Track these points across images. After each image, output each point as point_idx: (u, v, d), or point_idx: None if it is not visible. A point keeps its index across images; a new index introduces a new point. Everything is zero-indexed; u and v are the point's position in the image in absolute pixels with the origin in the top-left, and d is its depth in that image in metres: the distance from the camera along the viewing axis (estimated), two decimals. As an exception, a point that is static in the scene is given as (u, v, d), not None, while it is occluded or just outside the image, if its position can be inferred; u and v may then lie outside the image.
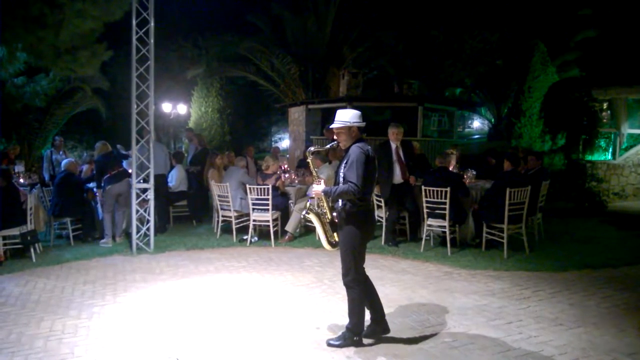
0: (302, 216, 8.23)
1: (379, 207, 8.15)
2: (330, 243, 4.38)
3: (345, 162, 4.15)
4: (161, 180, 9.03)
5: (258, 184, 8.09)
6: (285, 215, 8.55)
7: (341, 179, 4.16)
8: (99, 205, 8.42)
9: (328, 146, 4.54)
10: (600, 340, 4.47)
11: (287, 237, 8.35)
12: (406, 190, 7.82)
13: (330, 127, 4.27)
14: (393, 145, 7.74)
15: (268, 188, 7.87)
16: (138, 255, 7.51)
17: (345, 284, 4.27)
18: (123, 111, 15.79)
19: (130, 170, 8.82)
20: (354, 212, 4.14)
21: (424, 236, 7.70)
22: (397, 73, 20.13)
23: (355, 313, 4.27)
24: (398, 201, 7.84)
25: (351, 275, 4.21)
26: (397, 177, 7.75)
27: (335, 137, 4.30)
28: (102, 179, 8.14)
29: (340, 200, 4.20)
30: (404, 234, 8.35)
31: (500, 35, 18.57)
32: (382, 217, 8.15)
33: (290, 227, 8.38)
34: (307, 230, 8.83)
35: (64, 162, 8.50)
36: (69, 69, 13.05)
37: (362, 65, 19.24)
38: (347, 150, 4.21)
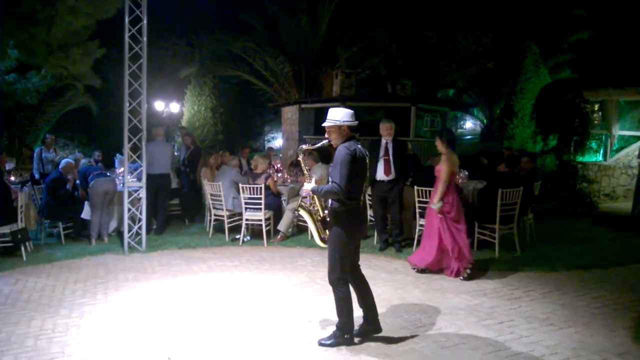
0: (294, 214, 8.28)
1: (372, 206, 8.15)
2: (322, 240, 4.41)
3: (333, 162, 4.18)
4: (165, 180, 8.97)
5: (249, 184, 8.07)
6: (278, 215, 8.54)
7: (329, 178, 4.21)
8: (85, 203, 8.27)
9: (319, 144, 4.56)
10: (590, 340, 4.50)
11: (279, 236, 8.35)
12: (389, 190, 7.49)
13: (322, 124, 4.29)
14: (383, 141, 7.49)
15: (260, 187, 7.86)
16: (130, 254, 7.48)
17: (330, 283, 4.30)
18: (115, 109, 15.75)
19: (121, 169, 8.81)
20: (342, 212, 4.17)
21: (416, 236, 7.71)
22: (390, 73, 20.19)
23: (343, 312, 4.29)
24: (381, 200, 7.61)
25: (336, 274, 4.23)
26: (379, 174, 7.43)
27: (326, 135, 4.32)
28: (86, 181, 8.07)
29: (330, 199, 4.23)
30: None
31: (493, 36, 18.66)
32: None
33: (282, 226, 8.38)
34: (299, 229, 8.82)
35: (63, 162, 8.40)
36: (61, 66, 12.98)
37: (355, 65, 19.28)
38: (336, 149, 4.23)
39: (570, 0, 16.68)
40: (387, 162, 7.43)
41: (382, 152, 7.46)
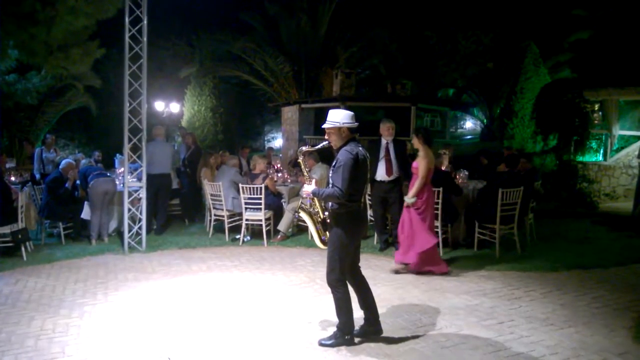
0: (294, 215, 8.27)
1: (372, 206, 8.14)
2: (322, 241, 4.41)
3: (334, 164, 4.17)
4: (166, 180, 8.99)
5: (248, 184, 8.07)
6: (278, 215, 8.54)
7: (330, 181, 4.20)
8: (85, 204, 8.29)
9: (319, 145, 4.56)
10: (590, 340, 4.50)
11: (279, 236, 8.35)
12: (390, 190, 7.43)
13: (322, 126, 4.29)
14: (383, 142, 7.38)
15: (260, 187, 7.86)
16: (130, 254, 7.48)
17: (329, 284, 4.29)
18: (115, 109, 15.75)
19: (121, 169, 8.80)
20: (342, 214, 4.17)
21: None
22: (390, 73, 20.17)
23: (343, 312, 4.29)
24: (381, 200, 7.54)
25: (334, 275, 4.23)
26: (381, 175, 7.36)
27: (326, 137, 4.32)
28: (86, 181, 8.08)
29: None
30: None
31: (493, 36, 18.63)
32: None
33: (282, 226, 8.38)
34: (299, 229, 8.82)
35: (62, 162, 8.40)
36: (61, 66, 12.96)
37: (355, 65, 19.26)
38: (337, 151, 4.23)
39: (569, 0, 16.67)
40: (388, 162, 7.37)
41: (382, 153, 7.40)
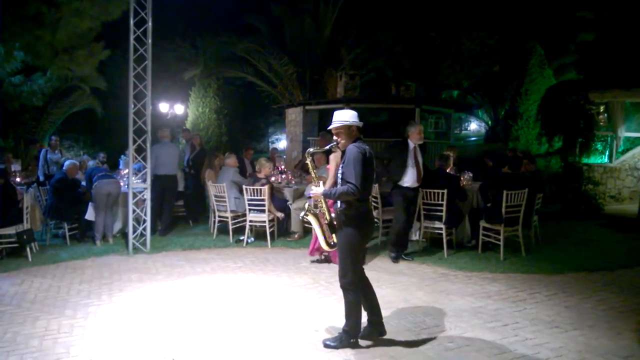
0: (300, 217, 8.27)
1: (376, 208, 8.12)
2: (328, 244, 4.39)
3: (343, 161, 4.15)
4: (171, 181, 9.02)
5: (249, 185, 8.06)
6: (285, 216, 8.55)
7: (340, 180, 4.17)
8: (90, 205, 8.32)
9: (327, 147, 4.54)
10: (596, 342, 4.48)
11: (296, 235, 8.46)
12: (415, 196, 7.15)
13: (329, 127, 4.28)
14: (411, 145, 6.96)
15: (263, 190, 7.86)
16: (134, 255, 7.49)
17: (342, 286, 4.27)
18: (120, 111, 15.80)
19: (125, 171, 8.83)
20: (352, 214, 4.14)
21: (420, 238, 7.69)
22: (394, 75, 20.16)
23: (352, 315, 4.27)
24: (406, 207, 7.08)
25: (348, 277, 4.20)
26: (411, 181, 6.98)
27: (334, 137, 4.30)
28: (91, 182, 8.12)
29: (339, 202, 4.20)
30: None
31: (498, 37, 18.63)
32: (377, 219, 8.13)
33: (296, 227, 8.46)
34: (303, 231, 8.81)
35: (66, 163, 8.44)
36: (66, 68, 13.06)
37: (359, 67, 19.25)
38: (344, 150, 4.21)
39: (575, 2, 16.65)
40: (418, 168, 7.01)
41: (411, 159, 6.97)
